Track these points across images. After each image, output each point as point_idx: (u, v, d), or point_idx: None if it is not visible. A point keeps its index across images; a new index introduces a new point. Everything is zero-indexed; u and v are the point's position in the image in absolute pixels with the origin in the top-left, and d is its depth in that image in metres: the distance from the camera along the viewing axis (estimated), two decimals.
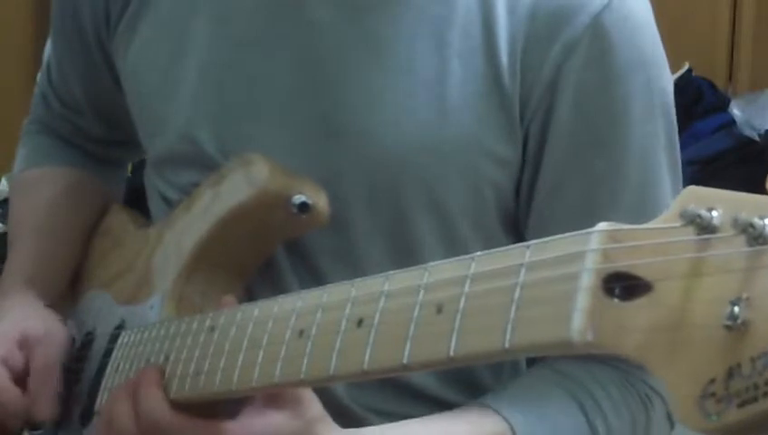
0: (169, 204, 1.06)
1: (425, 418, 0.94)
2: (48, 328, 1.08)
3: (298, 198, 0.94)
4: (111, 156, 1.25)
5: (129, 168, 1.34)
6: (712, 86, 2.57)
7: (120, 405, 0.90)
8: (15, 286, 1.13)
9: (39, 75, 1.25)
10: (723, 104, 2.52)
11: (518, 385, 0.99)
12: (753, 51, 2.66)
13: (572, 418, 0.95)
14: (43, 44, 1.23)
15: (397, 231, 0.97)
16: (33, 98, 1.26)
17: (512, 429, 0.92)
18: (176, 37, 1.02)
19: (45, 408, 1.05)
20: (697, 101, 2.48)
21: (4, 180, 2.44)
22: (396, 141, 0.95)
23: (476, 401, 0.96)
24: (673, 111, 0.99)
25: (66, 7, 1.13)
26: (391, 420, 0.97)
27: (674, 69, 2.61)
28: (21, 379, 1.05)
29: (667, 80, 0.98)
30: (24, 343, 1.06)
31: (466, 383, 1.02)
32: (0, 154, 1.86)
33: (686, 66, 2.53)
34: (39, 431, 1.09)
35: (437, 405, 0.99)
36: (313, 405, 0.87)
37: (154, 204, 1.10)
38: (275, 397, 0.85)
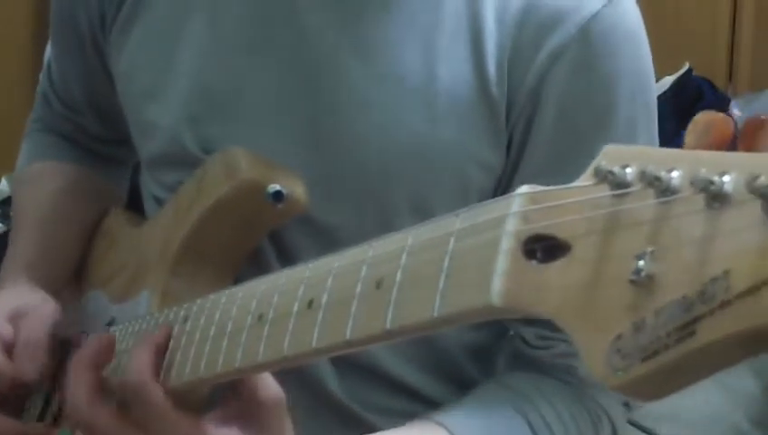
0: (160, 204, 1.07)
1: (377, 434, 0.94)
2: (33, 300, 1.09)
3: (272, 188, 0.94)
4: (113, 154, 1.26)
5: None
6: (712, 86, 2.56)
7: None
8: (14, 273, 1.14)
9: (41, 75, 1.27)
10: (723, 104, 2.51)
11: (466, 400, 0.99)
12: (753, 51, 2.65)
13: (518, 431, 0.95)
14: (44, 44, 1.24)
15: (384, 235, 0.97)
16: (36, 97, 1.28)
17: None
18: (168, 40, 1.02)
19: (29, 370, 1.04)
20: (697, 101, 2.48)
21: (4, 180, 2.44)
22: (383, 147, 0.95)
23: (424, 415, 0.95)
24: (656, 123, 0.98)
25: (63, 9, 1.13)
26: (387, 417, 0.98)
27: (674, 69, 2.62)
28: (9, 350, 1.05)
29: (652, 92, 0.98)
30: (13, 318, 1.07)
31: (461, 383, 1.02)
32: (0, 154, 1.87)
33: (686, 66, 2.51)
34: None
35: (430, 404, 0.99)
36: (283, 424, 0.86)
37: (148, 204, 1.11)
38: (246, 411, 0.85)
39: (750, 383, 1.93)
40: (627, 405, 1.01)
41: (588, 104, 0.93)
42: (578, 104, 0.93)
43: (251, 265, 0.99)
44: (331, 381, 1.00)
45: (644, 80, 0.96)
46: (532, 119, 0.94)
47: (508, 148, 0.96)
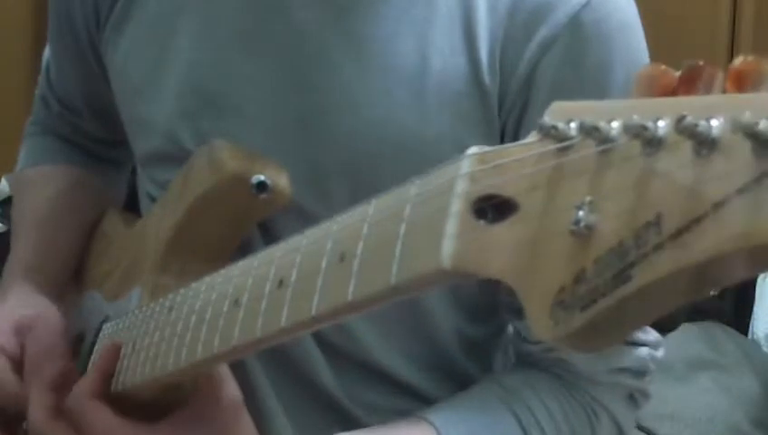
0: (154, 202, 1.07)
1: (364, 429, 0.95)
2: (39, 313, 1.08)
3: (256, 179, 0.94)
4: (112, 155, 1.26)
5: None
6: None
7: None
8: (16, 279, 1.14)
9: (39, 77, 1.27)
10: None
11: (458, 398, 0.98)
12: (753, 51, 2.62)
13: (508, 429, 0.95)
14: (43, 46, 1.24)
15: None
16: (34, 99, 1.28)
17: None
18: (161, 37, 1.02)
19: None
20: None
21: (4, 180, 2.44)
22: (376, 141, 0.95)
23: (414, 413, 0.95)
24: None
25: (60, 9, 1.13)
26: (381, 415, 0.98)
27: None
28: (19, 366, 1.05)
29: None
30: (19, 331, 1.06)
31: (457, 380, 1.02)
32: (0, 154, 1.88)
33: None
34: None
35: (425, 402, 0.99)
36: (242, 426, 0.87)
37: (143, 202, 1.11)
38: (203, 412, 0.86)
39: (750, 383, 1.92)
40: (632, 398, 1.00)
41: (580, 94, 0.92)
42: (570, 93, 0.92)
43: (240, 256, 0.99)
44: (326, 377, 1.00)
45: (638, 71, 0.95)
46: (525, 108, 0.93)
47: (502, 138, 0.95)
